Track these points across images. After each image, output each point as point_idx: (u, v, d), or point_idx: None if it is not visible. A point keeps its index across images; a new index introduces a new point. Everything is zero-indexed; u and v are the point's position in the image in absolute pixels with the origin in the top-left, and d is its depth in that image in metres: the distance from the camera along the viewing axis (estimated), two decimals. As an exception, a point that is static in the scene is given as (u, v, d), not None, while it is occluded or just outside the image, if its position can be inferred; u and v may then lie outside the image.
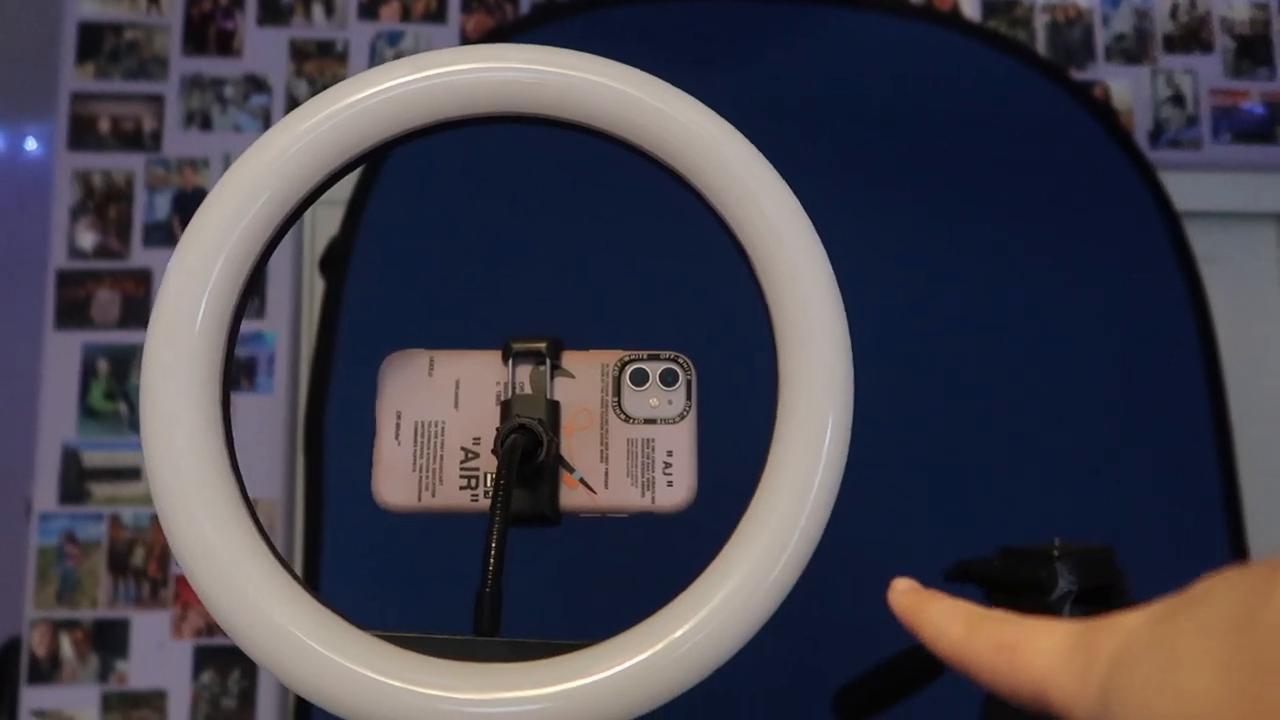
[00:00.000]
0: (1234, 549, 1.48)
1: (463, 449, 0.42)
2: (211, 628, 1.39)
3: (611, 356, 0.43)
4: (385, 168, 1.44)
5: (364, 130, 0.35)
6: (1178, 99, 1.67)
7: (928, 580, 0.73)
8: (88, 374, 1.44)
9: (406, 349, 0.44)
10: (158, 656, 1.39)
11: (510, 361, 0.43)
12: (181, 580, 1.41)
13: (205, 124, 1.51)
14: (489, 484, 0.42)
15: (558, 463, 0.41)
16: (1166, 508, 1.49)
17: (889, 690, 0.61)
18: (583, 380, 0.43)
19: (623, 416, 0.42)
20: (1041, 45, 1.69)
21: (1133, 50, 1.67)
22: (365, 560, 1.29)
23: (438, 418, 0.42)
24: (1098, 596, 0.52)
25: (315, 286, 1.51)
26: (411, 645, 0.29)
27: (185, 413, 0.31)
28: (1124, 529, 1.45)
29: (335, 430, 1.35)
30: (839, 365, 0.32)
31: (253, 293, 0.36)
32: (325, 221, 1.51)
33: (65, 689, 1.37)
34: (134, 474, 1.44)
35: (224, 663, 1.40)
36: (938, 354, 1.47)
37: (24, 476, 1.46)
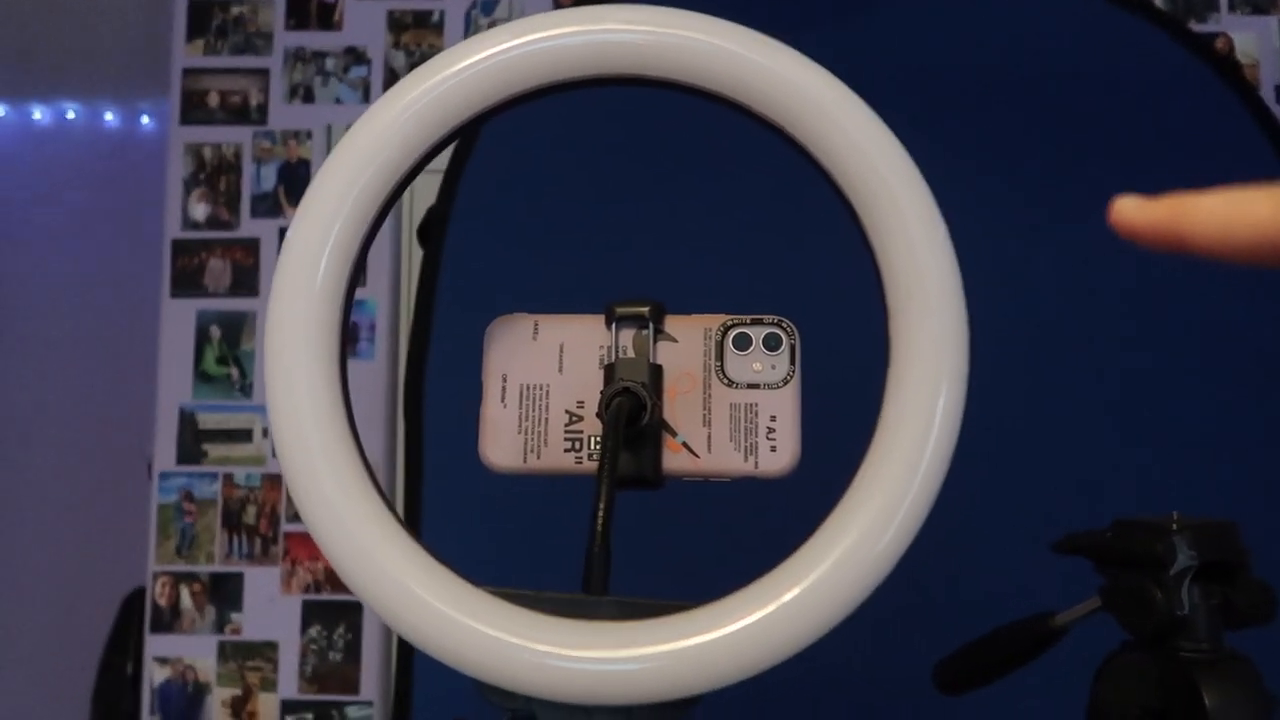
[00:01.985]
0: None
1: (567, 412, 0.42)
2: (319, 583, 1.45)
3: (714, 321, 0.43)
4: (482, 135, 1.46)
5: (466, 98, 0.35)
6: (1309, 50, 1.57)
7: (1036, 554, 0.71)
8: (201, 340, 1.50)
9: (511, 313, 0.44)
10: (269, 609, 1.46)
11: (613, 325, 0.43)
12: (291, 537, 1.47)
13: (308, 97, 1.55)
14: (593, 447, 0.42)
15: (660, 426, 0.41)
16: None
17: (991, 664, 0.60)
18: (685, 344, 0.43)
19: (725, 381, 0.42)
20: (1159, -4, 1.61)
21: (1260, -1, 1.57)
22: (463, 523, 1.32)
23: (542, 381, 0.43)
24: (1219, 573, 0.50)
25: (414, 254, 1.54)
26: (524, 602, 0.30)
27: (306, 370, 0.32)
28: (1245, 506, 1.39)
29: (435, 395, 1.38)
30: (954, 328, 0.31)
31: (366, 256, 0.37)
32: (423, 190, 1.54)
33: (185, 638, 1.45)
34: (245, 436, 1.50)
35: (331, 617, 1.46)
36: (1056, 319, 1.42)
37: (145, 437, 1.54)
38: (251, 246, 1.52)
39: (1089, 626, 0.57)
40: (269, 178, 1.54)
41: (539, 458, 0.42)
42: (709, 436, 0.42)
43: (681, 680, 0.28)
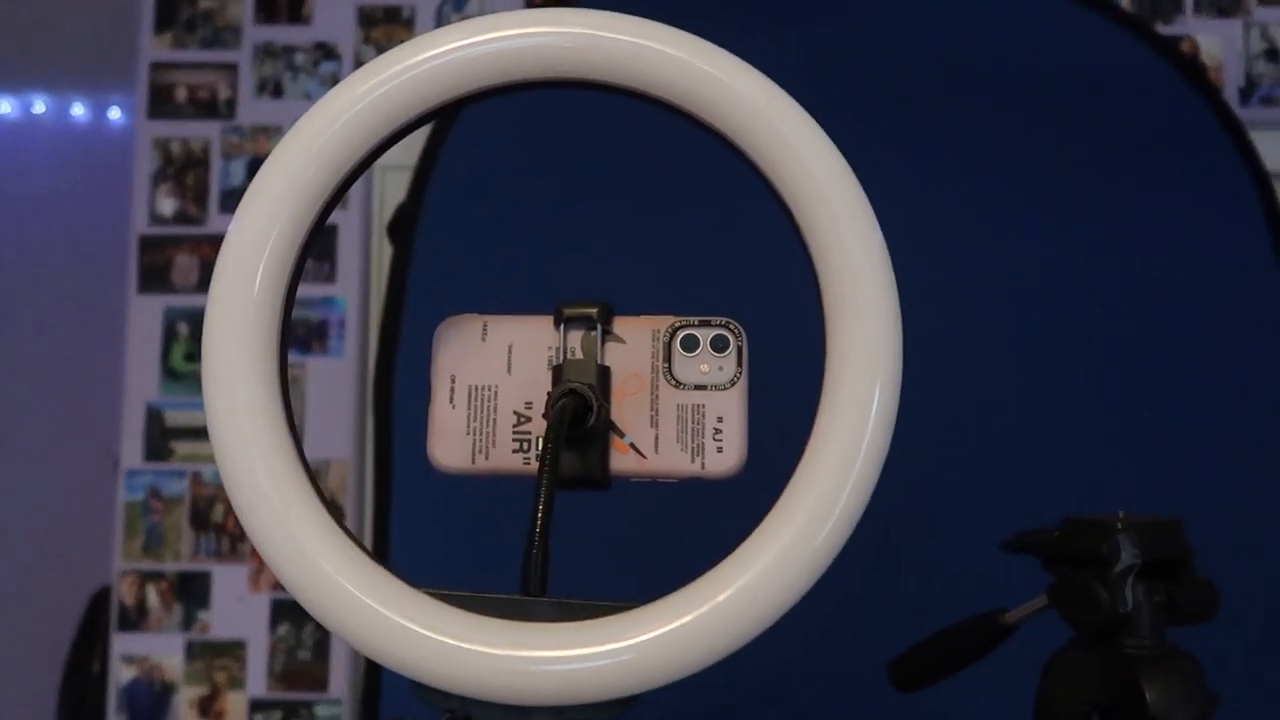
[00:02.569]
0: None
1: (515, 413, 0.42)
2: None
3: (663, 322, 0.44)
4: (452, 133, 1.45)
5: (411, 99, 0.35)
6: (1272, 54, 1.59)
7: (986, 551, 0.72)
8: (169, 336, 1.49)
9: (461, 314, 0.44)
10: (237, 608, 1.45)
11: (562, 327, 0.43)
12: (258, 536, 1.46)
13: (277, 91, 1.54)
14: (540, 447, 0.42)
15: (608, 427, 0.42)
16: (1244, 484, 1.44)
17: (944, 661, 0.61)
18: (634, 345, 0.43)
19: (673, 382, 0.42)
20: (1125, -2, 1.62)
21: (1224, 2, 1.59)
22: (434, 519, 1.32)
23: (491, 382, 0.43)
24: (1164, 571, 0.51)
25: (384, 252, 1.54)
26: (460, 603, 0.30)
27: (243, 370, 0.32)
28: (1197, 505, 1.40)
29: (404, 392, 1.38)
30: (887, 332, 0.32)
31: (310, 254, 0.37)
32: (394, 187, 1.54)
33: (152, 636, 1.44)
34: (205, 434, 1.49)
35: (300, 615, 1.45)
36: (1008, 317, 1.44)
37: (111, 435, 1.52)
38: (219, 243, 1.51)
39: (1041, 624, 0.58)
40: (238, 173, 1.53)
41: (487, 458, 0.42)
42: (656, 437, 0.42)
43: (615, 680, 0.29)
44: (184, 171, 1.52)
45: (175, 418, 1.48)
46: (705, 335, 0.43)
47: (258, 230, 0.35)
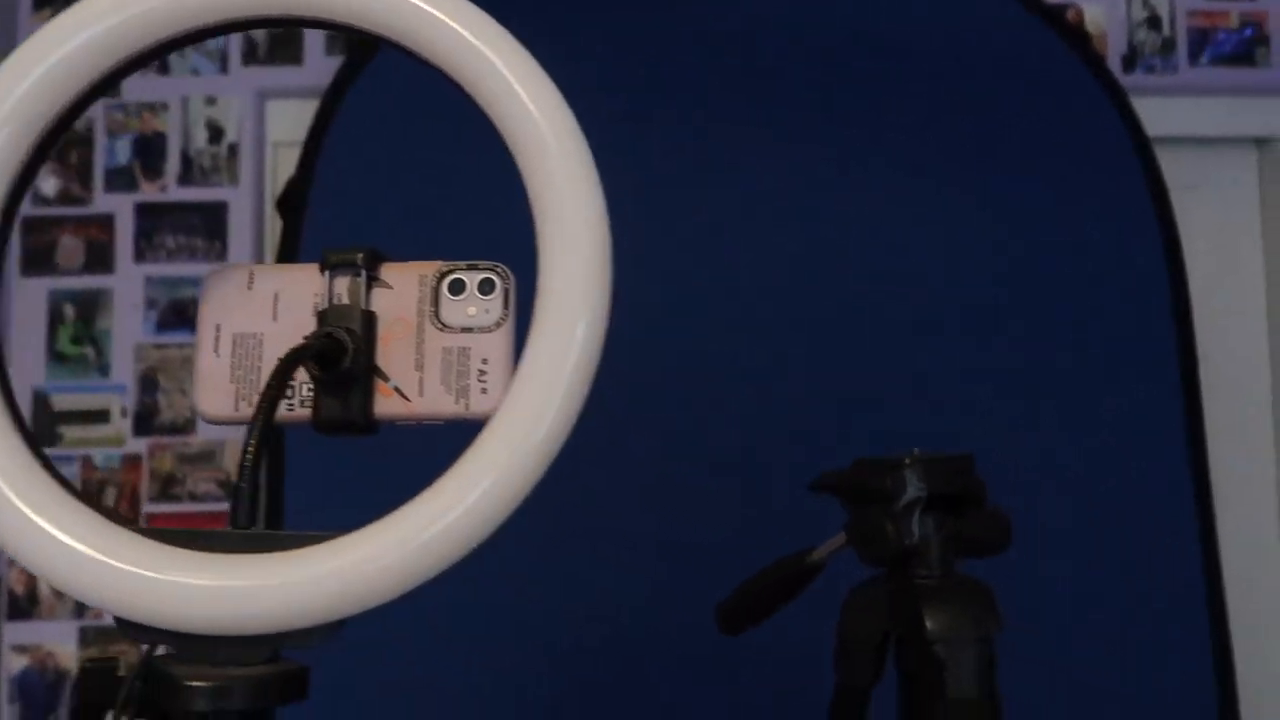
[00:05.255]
0: (1199, 491, 1.47)
1: (280, 360, 0.42)
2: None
3: (430, 267, 0.44)
4: (341, 107, 1.43)
5: (107, 48, 0.35)
6: (1154, 21, 1.63)
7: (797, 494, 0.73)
8: (54, 319, 1.46)
9: (229, 263, 0.44)
10: (132, 593, 1.42)
11: (327, 273, 0.43)
12: (153, 518, 1.44)
13: (163, 68, 1.51)
14: (305, 394, 0.42)
15: (370, 371, 0.42)
16: (1129, 445, 1.48)
17: (761, 602, 0.62)
18: (400, 291, 0.43)
19: (439, 325, 0.43)
20: (1012, -32, 1.65)
21: (1106, -29, 1.63)
22: (322, 471, 1.31)
23: (256, 330, 0.43)
24: (953, 504, 0.53)
25: (275, 226, 1.51)
26: (165, 538, 0.30)
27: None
28: (1083, 462, 1.45)
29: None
30: (594, 263, 0.32)
31: (10, 226, 0.37)
32: (285, 162, 1.51)
33: (44, 624, 1.41)
34: (103, 416, 1.47)
35: (198, 598, 1.43)
36: (891, 279, 1.46)
37: (-1, 421, 1.49)
38: (106, 223, 1.48)
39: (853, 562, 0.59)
40: (123, 151, 1.49)
41: (251, 406, 0.42)
42: (421, 380, 0.42)
43: (294, 608, 0.29)
44: (67, 150, 1.49)
45: (62, 401, 1.45)
46: (472, 279, 0.43)
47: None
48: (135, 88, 1.51)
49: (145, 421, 1.47)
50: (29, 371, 1.45)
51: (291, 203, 1.42)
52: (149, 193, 1.49)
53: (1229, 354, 1.62)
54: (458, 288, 0.43)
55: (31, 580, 1.41)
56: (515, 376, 0.32)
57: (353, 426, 0.41)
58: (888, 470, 0.52)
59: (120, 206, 1.49)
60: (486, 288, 0.43)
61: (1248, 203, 1.70)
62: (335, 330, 0.40)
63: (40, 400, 1.45)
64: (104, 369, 1.45)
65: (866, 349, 1.45)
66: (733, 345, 1.40)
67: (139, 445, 1.47)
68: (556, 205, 0.31)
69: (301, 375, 0.42)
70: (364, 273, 0.43)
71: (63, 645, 1.41)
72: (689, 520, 1.29)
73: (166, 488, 1.44)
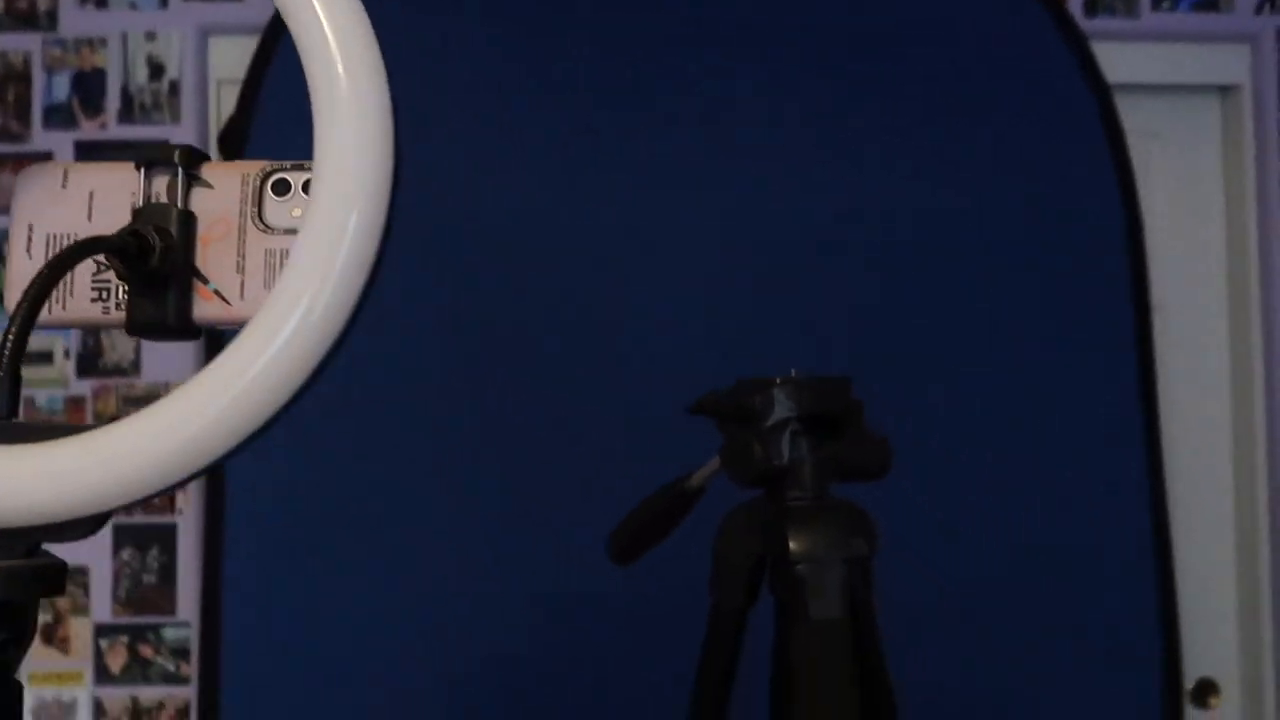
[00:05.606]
0: (1149, 442, 1.48)
1: (95, 261, 0.41)
2: (129, 506, 1.42)
3: (253, 167, 0.42)
4: (280, 46, 1.41)
5: None
6: (1118, -36, 1.60)
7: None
8: (-7, 259, 1.44)
9: (42, 163, 0.43)
10: (76, 534, 1.42)
11: (143, 171, 0.41)
12: (95, 461, 1.43)
13: (101, 2, 1.47)
14: (120, 295, 0.41)
15: (187, 272, 0.41)
16: (1081, 387, 1.48)
17: (646, 530, 0.61)
18: (222, 191, 0.42)
19: (262, 227, 0.41)
20: (975, -93, 1.61)
21: (1069, -89, 1.59)
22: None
23: (69, 230, 0.41)
24: (826, 426, 0.52)
25: (215, 167, 1.48)
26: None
27: None
28: (1034, 401, 1.45)
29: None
30: (370, 140, 0.31)
31: None
32: (228, 100, 1.49)
33: (-14, 565, 1.40)
34: (46, 358, 1.45)
35: (143, 540, 1.43)
36: (849, 228, 1.45)
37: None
38: (44, 160, 1.45)
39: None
40: (61, 88, 1.46)
41: (65, 308, 0.41)
42: (242, 283, 0.41)
43: (47, 501, 0.28)
44: (4, 86, 1.46)
45: (2, 342, 1.43)
46: (297, 179, 0.42)
47: None
48: (73, 22, 1.47)
49: (89, 363, 1.46)
50: (-32, 312, 1.44)
51: (233, 140, 1.40)
52: (89, 130, 1.46)
53: (1188, 300, 1.61)
54: (282, 188, 0.42)
55: (-27, 521, 1.41)
56: (280, 275, 0.31)
57: (169, 330, 0.40)
58: (758, 390, 0.51)
59: (60, 144, 1.46)
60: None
61: (1211, 151, 1.68)
62: (142, 227, 0.39)
63: (-20, 341, 1.43)
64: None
65: (816, 293, 1.44)
66: (714, 303, 1.39)
67: (83, 387, 1.45)
68: (327, 78, 0.29)
69: (117, 277, 0.41)
70: (181, 170, 0.41)
71: (5, 586, 1.40)
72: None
73: (109, 430, 1.43)
